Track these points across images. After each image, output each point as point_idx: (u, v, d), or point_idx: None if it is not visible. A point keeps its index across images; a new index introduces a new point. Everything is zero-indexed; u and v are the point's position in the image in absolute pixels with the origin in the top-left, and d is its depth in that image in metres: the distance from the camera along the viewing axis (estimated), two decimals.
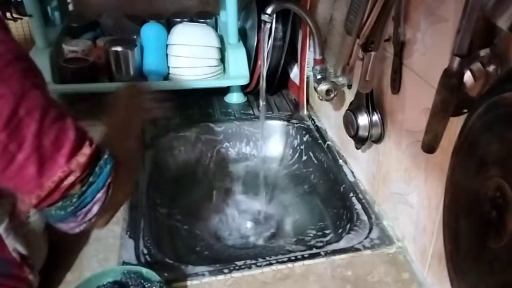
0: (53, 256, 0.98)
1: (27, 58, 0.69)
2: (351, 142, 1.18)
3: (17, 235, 0.85)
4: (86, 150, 0.68)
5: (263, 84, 1.30)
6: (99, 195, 0.70)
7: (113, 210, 0.78)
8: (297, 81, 1.59)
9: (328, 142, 1.43)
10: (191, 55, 1.50)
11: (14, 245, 0.84)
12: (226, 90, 1.65)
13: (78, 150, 0.67)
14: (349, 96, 1.21)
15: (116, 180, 0.73)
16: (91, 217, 0.71)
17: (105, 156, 0.72)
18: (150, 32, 1.53)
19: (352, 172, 1.29)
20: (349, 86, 1.20)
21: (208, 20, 1.74)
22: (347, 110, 1.12)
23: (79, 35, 1.64)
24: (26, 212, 0.83)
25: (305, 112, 1.58)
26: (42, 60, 1.41)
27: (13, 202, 0.83)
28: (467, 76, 0.68)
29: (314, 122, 1.54)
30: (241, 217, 1.39)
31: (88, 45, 1.55)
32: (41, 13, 1.42)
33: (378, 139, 1.09)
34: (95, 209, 0.71)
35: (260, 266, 0.98)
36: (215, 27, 1.77)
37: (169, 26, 1.63)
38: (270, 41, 1.49)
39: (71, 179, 0.67)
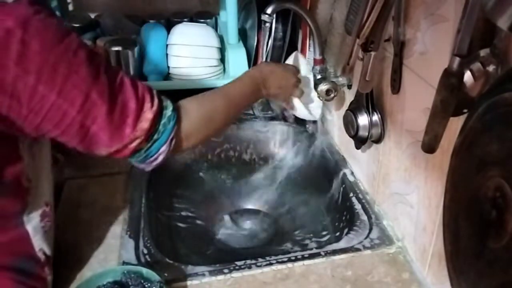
0: (53, 256, 0.98)
1: (85, 44, 0.75)
2: (351, 142, 1.18)
3: (44, 236, 0.87)
4: (148, 115, 0.78)
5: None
6: (163, 148, 0.82)
7: (179, 153, 0.93)
8: None
9: (328, 142, 1.43)
10: (191, 55, 1.50)
11: (41, 245, 0.86)
12: None
13: (140, 117, 0.77)
14: (349, 96, 1.21)
15: (180, 134, 0.84)
16: (159, 162, 0.84)
17: (169, 114, 0.82)
18: (150, 32, 1.53)
19: (352, 172, 1.29)
20: (349, 86, 1.20)
21: (208, 20, 1.74)
22: (347, 110, 1.12)
23: (79, 35, 1.63)
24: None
25: None
26: None
27: (46, 202, 0.86)
28: (467, 76, 0.68)
29: (314, 122, 1.54)
30: (241, 217, 1.39)
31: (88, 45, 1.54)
32: None
33: (378, 139, 1.09)
34: (161, 158, 0.83)
35: (260, 266, 0.98)
36: (215, 27, 1.77)
37: (169, 26, 1.63)
38: (270, 41, 1.48)
39: (137, 141, 0.78)
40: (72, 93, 0.70)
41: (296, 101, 1.18)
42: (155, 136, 0.80)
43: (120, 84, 0.76)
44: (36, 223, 0.84)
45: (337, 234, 1.21)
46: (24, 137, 0.76)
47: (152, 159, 0.82)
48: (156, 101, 0.80)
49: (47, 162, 0.88)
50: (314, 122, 1.53)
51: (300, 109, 1.20)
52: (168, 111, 0.82)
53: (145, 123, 0.77)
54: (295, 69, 1.17)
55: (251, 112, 1.59)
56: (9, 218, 0.80)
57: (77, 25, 1.68)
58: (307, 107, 1.27)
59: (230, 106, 0.98)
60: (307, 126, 1.52)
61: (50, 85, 0.68)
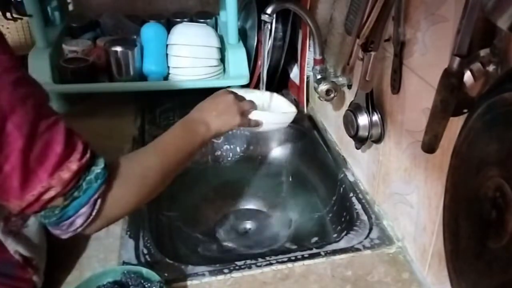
0: (53, 256, 0.98)
1: (18, 69, 0.66)
2: (351, 142, 1.18)
3: (17, 238, 0.85)
4: (73, 166, 0.68)
5: (263, 84, 1.30)
6: (82, 210, 0.70)
7: (105, 223, 0.76)
8: (297, 81, 1.59)
9: (328, 142, 1.43)
10: (191, 55, 1.50)
11: (15, 248, 0.84)
12: None
13: (63, 165, 0.67)
14: (349, 96, 1.21)
15: (108, 194, 0.73)
16: (75, 228, 0.72)
17: (97, 171, 0.72)
18: (150, 32, 1.53)
19: (352, 172, 1.29)
20: (349, 86, 1.20)
21: (208, 20, 1.74)
22: (347, 110, 1.12)
23: (79, 35, 1.64)
24: (19, 215, 0.82)
25: (305, 112, 1.58)
26: (42, 60, 1.41)
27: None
28: (467, 76, 0.68)
29: (314, 122, 1.54)
30: (241, 217, 1.39)
31: (88, 45, 1.55)
32: (41, 13, 1.42)
33: (378, 139, 1.09)
34: (79, 221, 0.71)
35: (260, 266, 0.98)
36: (215, 27, 1.77)
37: (169, 26, 1.63)
38: (270, 41, 1.49)
39: (51, 193, 0.67)
40: None
41: (256, 114, 1.07)
42: (75, 193, 0.69)
43: (52, 124, 0.67)
44: (1, 228, 0.83)
45: (337, 234, 1.21)
46: None
47: (67, 222, 0.70)
48: (87, 155, 0.70)
49: None
50: (314, 122, 1.53)
51: (267, 121, 1.09)
52: (98, 168, 0.72)
53: (66, 173, 0.67)
54: (227, 92, 1.05)
55: None
56: None
57: (77, 25, 1.68)
58: (273, 115, 1.16)
59: (166, 163, 0.86)
60: (307, 126, 1.52)
61: None
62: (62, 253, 0.99)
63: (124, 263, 0.97)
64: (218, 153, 1.53)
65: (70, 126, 0.71)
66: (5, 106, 0.62)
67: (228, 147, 1.54)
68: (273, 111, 1.19)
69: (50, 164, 0.66)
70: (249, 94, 1.13)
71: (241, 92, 1.11)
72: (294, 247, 1.25)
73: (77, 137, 0.70)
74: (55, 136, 0.66)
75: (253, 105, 1.07)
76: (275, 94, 1.21)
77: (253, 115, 1.07)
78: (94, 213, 0.72)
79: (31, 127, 0.64)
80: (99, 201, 0.72)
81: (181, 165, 0.91)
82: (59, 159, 0.66)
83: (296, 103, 1.62)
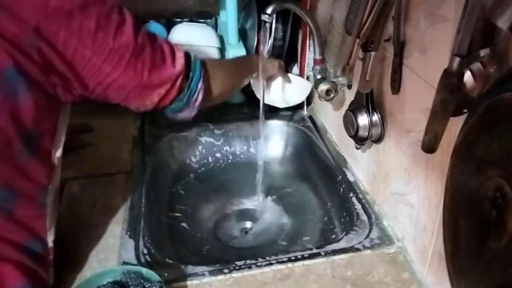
0: (53, 256, 0.99)
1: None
2: (351, 142, 1.18)
3: (52, 220, 0.88)
4: (180, 53, 0.92)
5: (263, 83, 1.30)
6: (200, 84, 0.95)
7: (214, 98, 1.04)
8: None
9: (328, 142, 1.43)
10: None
11: (50, 229, 0.87)
12: None
13: (175, 57, 0.90)
14: (349, 96, 1.21)
15: (206, 73, 0.98)
16: (199, 104, 0.97)
17: (192, 56, 0.96)
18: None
19: (352, 172, 1.29)
20: (349, 86, 1.20)
21: (208, 20, 1.74)
22: (347, 110, 1.12)
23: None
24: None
25: (305, 112, 1.58)
26: None
27: (58, 183, 0.90)
28: (467, 76, 0.68)
29: (314, 122, 1.54)
30: (241, 217, 1.39)
31: None
32: None
33: (378, 139, 1.09)
34: (200, 96, 0.96)
35: (260, 266, 0.98)
36: (215, 27, 1.77)
37: (169, 26, 1.63)
38: (270, 41, 1.49)
39: (180, 78, 0.91)
40: (124, 38, 0.81)
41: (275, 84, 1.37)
42: (191, 74, 0.93)
43: (153, 33, 0.89)
44: (51, 202, 0.86)
45: (337, 234, 1.21)
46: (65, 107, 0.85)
47: (194, 98, 0.95)
48: (179, 45, 0.94)
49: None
50: (314, 122, 1.53)
51: (274, 90, 1.40)
52: (191, 54, 0.96)
53: (180, 60, 0.90)
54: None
55: (251, 111, 1.59)
56: (37, 190, 0.81)
57: None
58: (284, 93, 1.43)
59: (240, 71, 1.19)
60: (307, 126, 1.52)
61: (107, 31, 0.79)
62: (62, 253, 0.99)
63: (124, 263, 0.97)
64: (219, 153, 1.53)
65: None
66: (134, 28, 0.85)
67: (228, 148, 1.54)
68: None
69: (170, 60, 0.89)
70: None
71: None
72: (294, 247, 1.24)
73: (163, 39, 0.93)
74: (158, 39, 0.90)
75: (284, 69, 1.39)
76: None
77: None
78: (205, 87, 0.97)
79: (149, 38, 0.89)
80: (205, 77, 0.97)
81: (247, 78, 1.24)
82: (171, 53, 0.91)
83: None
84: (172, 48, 0.91)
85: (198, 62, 0.96)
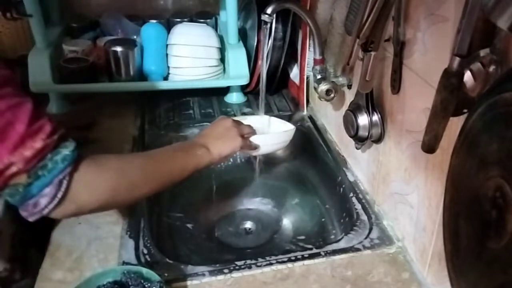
0: (53, 256, 0.99)
1: None
2: (351, 142, 1.18)
3: None
4: (37, 144, 0.70)
5: (263, 84, 1.30)
6: (47, 189, 0.72)
7: (76, 209, 0.78)
8: (297, 81, 1.59)
9: (328, 142, 1.43)
10: (191, 55, 1.50)
11: None
12: (226, 90, 1.65)
13: (26, 143, 0.69)
14: (349, 96, 1.21)
15: (77, 178, 0.75)
16: (41, 209, 0.73)
17: (66, 153, 0.74)
18: (150, 32, 1.53)
19: (352, 172, 1.29)
20: (349, 86, 1.20)
21: (208, 20, 1.74)
22: (347, 110, 1.12)
23: (79, 35, 1.64)
24: None
25: (305, 112, 1.58)
26: (42, 60, 1.42)
27: None
28: (467, 76, 0.68)
29: (314, 122, 1.54)
30: (241, 217, 1.39)
31: (88, 45, 1.55)
32: (41, 13, 1.42)
33: (378, 139, 1.09)
34: (43, 202, 0.73)
35: (260, 266, 0.98)
36: (215, 27, 1.77)
37: (169, 26, 1.64)
38: (270, 41, 1.49)
39: (13, 169, 0.69)
40: None
41: (256, 138, 1.14)
42: (39, 172, 0.71)
43: (15, 105, 0.70)
44: None
45: (337, 234, 1.21)
46: None
47: (31, 201, 0.72)
48: (55, 137, 0.73)
49: None
50: (314, 122, 1.53)
51: (267, 142, 1.18)
52: (66, 151, 0.74)
53: (28, 151, 0.69)
54: (225, 117, 1.13)
55: (251, 112, 1.59)
56: None
57: (77, 25, 1.68)
58: (272, 136, 1.24)
59: (151, 164, 0.91)
60: (307, 126, 1.52)
61: None
62: (62, 253, 0.99)
63: (124, 263, 0.97)
64: None
65: (43, 110, 0.74)
66: None
67: None
68: (272, 133, 1.26)
69: (11, 142, 0.68)
70: (246, 120, 1.20)
71: (238, 118, 1.18)
72: (294, 247, 1.25)
73: (46, 120, 0.72)
74: (19, 116, 0.69)
75: (251, 129, 1.14)
76: (272, 117, 1.29)
77: (253, 139, 1.14)
78: (59, 195, 0.73)
79: None
80: (64, 182, 0.73)
81: (170, 178, 0.95)
82: (20, 137, 0.68)
83: (296, 103, 1.62)
84: (33, 132, 0.70)
85: (63, 162, 0.73)
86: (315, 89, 1.24)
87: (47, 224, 1.03)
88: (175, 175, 0.96)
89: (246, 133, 1.12)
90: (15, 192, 0.71)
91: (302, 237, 1.28)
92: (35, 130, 0.70)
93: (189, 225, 1.30)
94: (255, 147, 1.14)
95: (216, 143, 1.04)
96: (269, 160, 1.52)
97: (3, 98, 0.68)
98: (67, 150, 0.74)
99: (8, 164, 0.68)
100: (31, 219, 0.75)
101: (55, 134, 0.73)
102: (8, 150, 0.68)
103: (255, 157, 1.36)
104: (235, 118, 1.15)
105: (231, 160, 1.52)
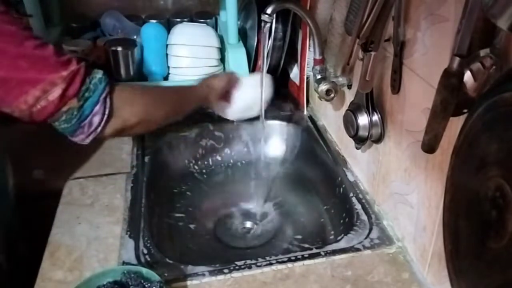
0: (53, 256, 0.99)
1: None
2: (351, 142, 1.18)
3: None
4: (72, 67, 0.81)
5: (262, 84, 1.30)
6: (96, 108, 0.84)
7: (122, 124, 0.91)
8: (297, 81, 1.59)
9: (328, 142, 1.43)
10: (191, 55, 1.50)
11: None
12: None
13: (60, 68, 0.80)
14: (349, 96, 1.21)
15: (116, 95, 0.88)
16: (95, 128, 0.86)
17: (100, 76, 0.86)
18: (150, 32, 1.53)
19: (352, 172, 1.28)
20: (349, 86, 1.20)
21: (208, 20, 1.74)
22: (347, 110, 1.12)
23: (79, 35, 1.64)
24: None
25: (305, 112, 1.58)
26: None
27: None
28: (467, 76, 0.68)
29: (314, 122, 1.54)
30: (241, 217, 1.39)
31: (88, 45, 1.55)
32: (41, 13, 1.42)
33: (378, 139, 1.09)
34: (96, 120, 0.85)
35: (260, 266, 0.98)
36: (215, 27, 1.77)
37: (169, 26, 1.63)
38: (270, 41, 1.49)
39: (58, 91, 0.80)
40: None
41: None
42: (86, 94, 0.83)
43: (42, 44, 0.81)
44: None
45: (337, 234, 1.21)
46: None
47: (86, 121, 0.84)
48: (83, 63, 0.84)
49: None
50: (314, 122, 1.53)
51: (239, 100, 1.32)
52: (99, 73, 0.86)
53: (65, 72, 0.80)
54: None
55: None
56: None
57: (77, 25, 1.68)
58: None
59: (170, 91, 1.10)
60: (307, 126, 1.52)
61: None
62: (62, 253, 0.99)
63: (124, 263, 0.97)
64: (219, 154, 1.53)
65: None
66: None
67: (228, 148, 1.54)
68: None
69: (48, 64, 0.80)
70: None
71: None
72: (294, 247, 1.24)
73: (71, 55, 0.84)
74: (47, 51, 0.81)
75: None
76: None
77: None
78: (107, 112, 0.86)
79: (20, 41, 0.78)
80: (108, 100, 0.86)
81: (176, 113, 1.11)
82: (54, 63, 0.80)
83: (296, 103, 1.62)
84: (69, 57, 0.83)
85: (101, 83, 0.86)
86: (315, 89, 1.24)
87: (39, 218, 1.03)
88: (182, 109, 1.13)
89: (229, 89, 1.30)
90: (71, 116, 0.82)
91: (302, 237, 1.28)
92: (65, 61, 0.81)
93: (189, 225, 1.30)
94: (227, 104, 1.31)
95: (212, 94, 1.23)
96: (269, 160, 1.52)
97: (29, 39, 0.79)
98: (99, 73, 0.86)
99: (52, 83, 0.79)
100: (87, 141, 0.88)
101: (82, 61, 0.84)
102: (57, 68, 0.79)
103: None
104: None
105: (232, 160, 1.52)
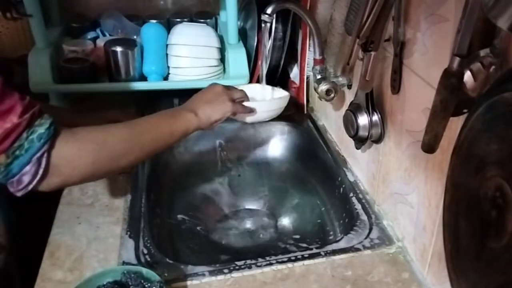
0: (53, 256, 0.99)
1: None
2: (351, 142, 1.18)
3: None
4: (7, 124, 0.72)
5: (263, 84, 1.30)
6: (26, 168, 0.74)
7: (63, 182, 0.81)
8: (297, 81, 1.59)
9: (328, 143, 1.43)
10: (191, 55, 1.50)
11: None
12: None
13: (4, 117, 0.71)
14: (349, 96, 1.21)
15: (56, 154, 0.77)
16: (25, 186, 0.76)
17: (41, 131, 0.75)
18: (150, 32, 1.53)
19: (352, 172, 1.28)
20: (349, 86, 1.20)
21: (208, 20, 1.74)
22: (347, 110, 1.12)
23: (79, 35, 1.64)
24: None
25: (305, 112, 1.58)
26: (42, 60, 1.41)
27: None
28: (467, 76, 0.68)
29: (314, 122, 1.54)
30: (241, 217, 1.39)
31: (88, 45, 1.55)
32: (41, 13, 1.42)
33: (378, 139, 1.09)
34: (26, 179, 0.75)
35: (260, 266, 0.98)
36: (215, 27, 1.77)
37: (169, 26, 1.63)
38: (270, 41, 1.49)
39: None
40: None
41: (248, 104, 1.17)
42: (17, 152, 0.73)
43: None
44: None
45: (337, 234, 1.21)
46: None
47: (14, 179, 0.75)
48: (27, 116, 0.74)
49: None
50: (314, 122, 1.53)
51: (260, 109, 1.21)
52: (41, 129, 0.75)
53: (4, 126, 0.72)
54: (219, 84, 1.12)
55: None
56: None
57: (77, 25, 1.68)
58: (265, 102, 1.31)
59: (135, 134, 0.91)
60: (307, 126, 1.52)
61: None
62: (62, 253, 0.99)
63: (124, 263, 0.97)
64: (218, 152, 1.53)
65: (13, 89, 0.74)
66: None
67: (229, 148, 1.54)
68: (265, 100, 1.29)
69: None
70: (241, 87, 1.22)
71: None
72: (294, 247, 1.25)
73: (17, 99, 0.73)
74: None
75: (243, 93, 1.15)
76: (265, 85, 1.33)
77: (246, 105, 1.16)
78: (41, 172, 0.76)
79: None
80: (43, 159, 0.75)
81: (156, 144, 0.95)
82: None
83: (296, 103, 1.62)
84: (12, 106, 0.72)
85: (40, 140, 0.75)
86: (315, 89, 1.24)
87: (39, 218, 1.03)
88: (161, 143, 0.97)
89: (237, 98, 1.12)
90: None
91: (302, 237, 1.28)
92: (5, 111, 0.71)
93: (189, 225, 1.30)
94: (249, 111, 1.16)
95: (205, 107, 1.04)
96: (269, 160, 1.52)
97: None
98: (42, 128, 0.75)
99: None
100: (18, 195, 0.77)
101: (27, 113, 0.74)
102: None
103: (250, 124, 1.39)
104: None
105: (232, 160, 1.52)
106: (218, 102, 1.07)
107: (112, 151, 0.86)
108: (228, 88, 1.11)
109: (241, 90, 1.15)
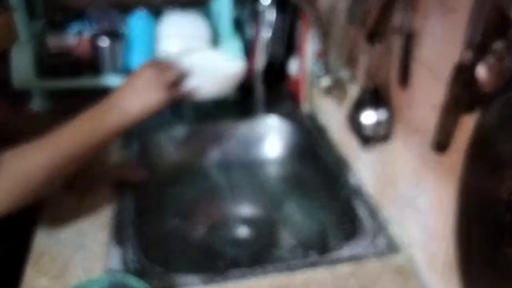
0: (37, 263, 0.98)
1: None
2: (354, 141, 1.17)
3: None
4: None
5: (260, 79, 1.30)
6: None
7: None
8: (296, 76, 1.59)
9: (329, 142, 1.43)
10: (181, 47, 1.49)
11: None
12: None
13: None
14: (352, 91, 1.21)
15: None
16: None
17: None
18: (137, 23, 1.53)
19: (355, 174, 1.28)
20: (353, 81, 1.20)
21: (200, 9, 1.74)
22: (350, 107, 1.12)
23: (64, 28, 1.63)
24: None
25: (305, 109, 1.58)
26: (25, 55, 1.43)
27: None
28: (480, 70, 0.68)
29: (314, 121, 1.54)
30: (236, 222, 1.39)
31: (73, 38, 1.54)
32: (25, 6, 1.42)
33: (384, 138, 1.09)
34: None
35: (256, 275, 0.98)
36: (208, 17, 1.76)
37: (158, 16, 1.63)
38: (267, 34, 1.48)
39: None
40: None
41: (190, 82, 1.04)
42: None
43: None
44: None
45: (339, 241, 1.21)
46: None
47: None
48: None
49: None
50: (315, 119, 1.53)
51: (206, 85, 1.10)
52: None
53: None
54: (146, 65, 1.00)
55: (247, 108, 1.59)
56: None
57: (62, 18, 1.68)
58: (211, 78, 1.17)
59: (57, 158, 0.89)
60: (307, 123, 1.52)
61: None
62: (47, 261, 0.99)
63: (111, 271, 0.97)
64: (212, 152, 1.53)
65: None
66: None
67: (222, 148, 1.54)
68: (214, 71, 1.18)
69: None
70: (186, 58, 1.10)
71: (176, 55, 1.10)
72: (293, 255, 1.24)
73: None
74: None
75: (180, 73, 1.03)
76: (216, 52, 1.27)
77: (188, 83, 1.04)
78: None
79: None
80: None
81: (83, 158, 0.94)
82: None
83: (295, 99, 1.61)
84: None
85: None
86: (316, 84, 1.24)
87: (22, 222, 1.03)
88: (90, 155, 0.95)
89: (173, 80, 1.01)
90: None
91: (302, 244, 1.28)
92: None
93: (180, 231, 1.30)
94: (190, 95, 1.06)
95: (134, 99, 0.96)
96: (266, 161, 1.52)
97: None
98: None
99: None
100: None
101: None
102: None
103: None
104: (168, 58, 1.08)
105: (226, 161, 1.52)
106: (149, 91, 0.96)
107: (39, 180, 0.88)
108: (161, 68, 1.00)
109: (178, 69, 1.03)
